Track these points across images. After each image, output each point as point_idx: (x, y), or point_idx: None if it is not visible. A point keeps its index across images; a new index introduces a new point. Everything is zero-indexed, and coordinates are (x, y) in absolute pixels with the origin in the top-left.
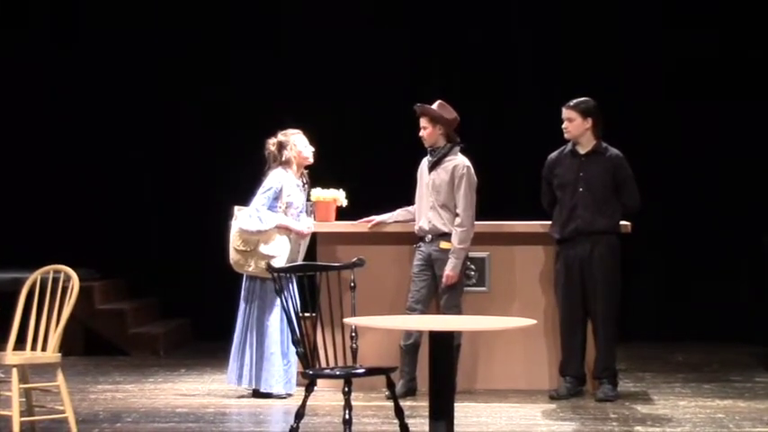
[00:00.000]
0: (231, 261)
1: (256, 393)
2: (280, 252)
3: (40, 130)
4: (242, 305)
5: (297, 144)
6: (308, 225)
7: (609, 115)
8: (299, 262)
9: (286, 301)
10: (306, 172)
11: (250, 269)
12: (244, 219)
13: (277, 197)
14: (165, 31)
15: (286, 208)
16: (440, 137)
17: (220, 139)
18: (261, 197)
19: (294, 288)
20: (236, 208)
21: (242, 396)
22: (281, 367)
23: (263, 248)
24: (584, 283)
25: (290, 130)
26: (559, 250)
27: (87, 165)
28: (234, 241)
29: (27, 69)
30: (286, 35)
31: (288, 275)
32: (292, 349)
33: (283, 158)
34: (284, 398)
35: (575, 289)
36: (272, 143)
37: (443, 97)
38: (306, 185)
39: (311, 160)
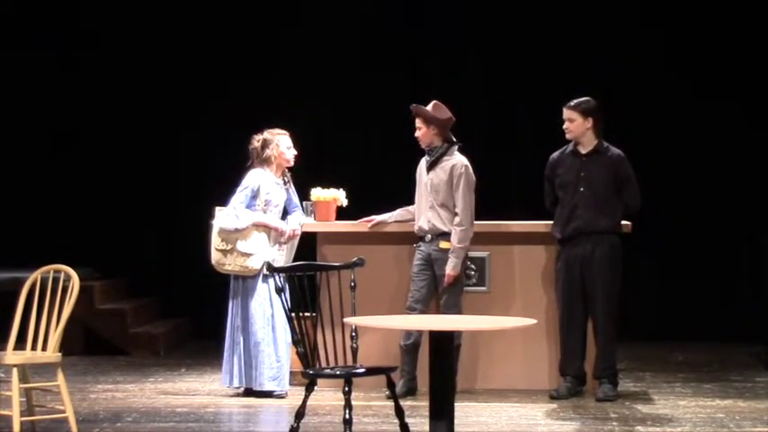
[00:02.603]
0: (213, 261)
1: (250, 392)
2: (257, 249)
3: (40, 131)
4: (229, 305)
5: (280, 144)
6: (293, 226)
7: (610, 115)
8: (284, 261)
9: (285, 301)
10: (287, 171)
11: (229, 268)
12: (222, 218)
13: (255, 196)
14: (165, 32)
15: (265, 206)
16: (434, 137)
17: (221, 139)
18: (238, 195)
19: (285, 287)
20: (217, 208)
21: (241, 395)
22: (271, 364)
23: (240, 246)
24: (584, 282)
25: (276, 130)
26: (561, 250)
27: (87, 164)
28: (214, 241)
29: (27, 70)
30: (286, 35)
31: (281, 275)
32: (282, 346)
33: (263, 156)
34: (283, 396)
35: (575, 289)
36: (257, 140)
37: (442, 97)
38: (288, 184)
39: (291, 163)
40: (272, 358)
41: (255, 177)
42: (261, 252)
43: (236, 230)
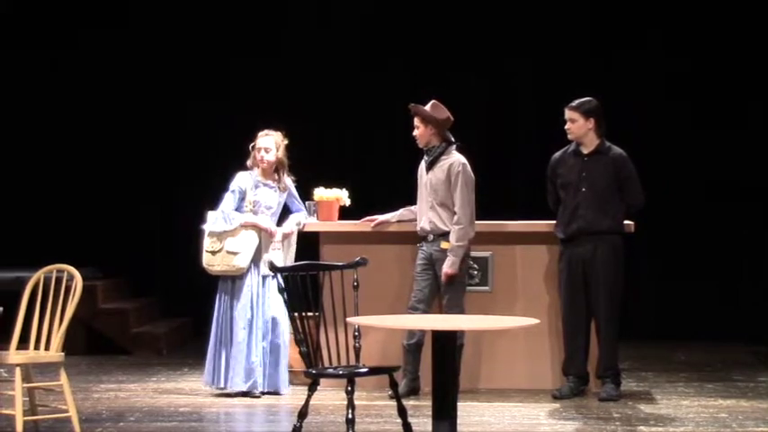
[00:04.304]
0: (203, 264)
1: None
2: (243, 248)
3: (43, 131)
4: (216, 305)
5: (256, 144)
6: (288, 228)
7: (611, 115)
8: (284, 262)
9: (287, 301)
10: (286, 173)
11: (217, 268)
12: (211, 221)
13: (243, 197)
14: (165, 32)
15: (254, 207)
16: (432, 137)
17: (221, 139)
18: (226, 198)
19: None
20: (210, 213)
21: (243, 395)
22: (245, 365)
23: (227, 245)
24: (586, 282)
25: (265, 131)
26: (563, 250)
27: (90, 164)
28: (205, 244)
29: (27, 70)
30: (287, 36)
31: (280, 275)
32: (258, 349)
33: (251, 157)
34: (257, 396)
35: (578, 288)
36: None
37: (442, 97)
38: (280, 185)
39: (263, 164)
40: (247, 359)
41: (240, 180)
42: (248, 251)
43: (225, 232)
